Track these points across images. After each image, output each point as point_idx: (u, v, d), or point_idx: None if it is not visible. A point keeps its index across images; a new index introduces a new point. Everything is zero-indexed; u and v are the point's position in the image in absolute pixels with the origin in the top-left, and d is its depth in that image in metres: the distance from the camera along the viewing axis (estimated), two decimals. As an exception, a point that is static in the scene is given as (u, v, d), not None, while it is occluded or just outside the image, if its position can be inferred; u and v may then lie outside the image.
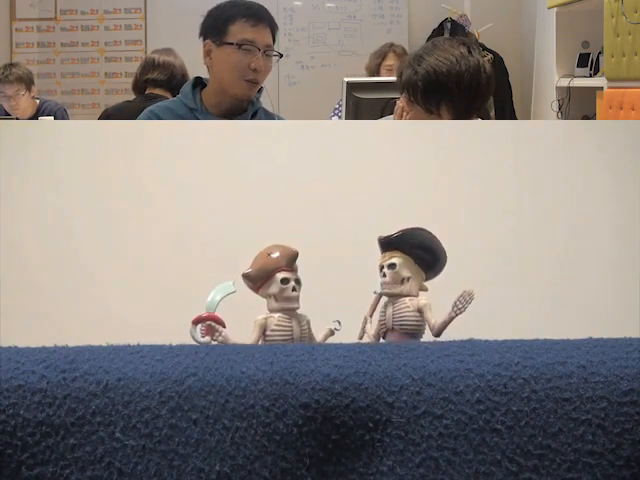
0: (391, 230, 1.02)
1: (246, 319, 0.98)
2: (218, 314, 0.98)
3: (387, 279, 0.98)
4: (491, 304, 1.30)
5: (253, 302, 1.00)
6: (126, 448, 0.80)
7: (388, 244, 1.00)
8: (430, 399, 0.81)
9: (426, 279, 1.01)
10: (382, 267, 0.99)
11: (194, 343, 0.92)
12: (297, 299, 0.99)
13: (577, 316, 1.38)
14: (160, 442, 0.80)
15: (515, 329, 0.98)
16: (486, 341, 0.91)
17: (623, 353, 0.85)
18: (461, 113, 1.67)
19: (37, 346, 0.89)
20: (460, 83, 1.63)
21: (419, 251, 0.99)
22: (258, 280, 0.99)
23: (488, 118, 4.63)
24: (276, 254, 0.99)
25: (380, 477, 0.80)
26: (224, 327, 0.98)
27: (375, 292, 1.05)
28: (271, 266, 0.99)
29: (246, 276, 1.00)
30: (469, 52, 1.67)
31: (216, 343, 0.97)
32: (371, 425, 0.81)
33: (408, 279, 0.98)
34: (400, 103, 1.75)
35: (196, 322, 0.97)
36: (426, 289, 1.00)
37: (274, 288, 0.98)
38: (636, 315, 1.32)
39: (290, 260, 0.99)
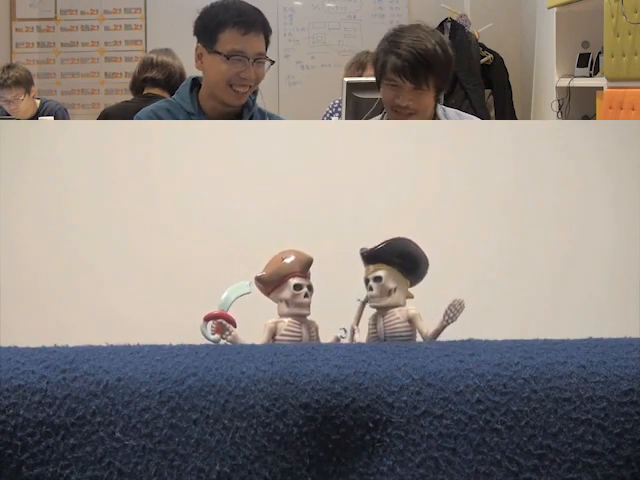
0: (391, 231, 1.02)
1: (255, 321, 0.98)
2: (230, 313, 0.98)
3: (374, 292, 0.99)
4: (491, 304, 1.30)
5: (263, 305, 1.00)
6: (126, 448, 0.80)
7: (371, 257, 1.00)
8: (430, 399, 0.81)
9: (410, 285, 1.01)
10: (368, 280, 1.00)
11: (195, 343, 0.92)
12: (308, 305, 0.99)
13: (577, 316, 1.38)
14: (160, 442, 0.80)
15: (515, 329, 0.98)
16: (486, 341, 0.91)
17: (623, 353, 0.85)
18: (443, 83, 1.85)
19: (37, 346, 0.89)
20: (437, 55, 1.80)
21: (401, 260, 0.99)
22: (271, 284, 0.99)
23: (486, 115, 4.64)
24: (290, 259, 0.99)
25: (380, 477, 0.80)
26: (235, 327, 0.97)
27: (358, 300, 1.05)
28: (285, 271, 0.98)
29: (259, 279, 0.99)
30: (430, 30, 1.87)
31: (225, 342, 0.96)
32: (371, 425, 0.81)
33: (395, 289, 0.99)
34: (387, 94, 1.87)
35: (207, 319, 0.97)
36: (412, 296, 1.01)
37: (286, 293, 0.98)
38: (636, 315, 1.32)
39: (304, 266, 0.99)
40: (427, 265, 1.01)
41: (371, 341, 1.00)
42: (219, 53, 1.85)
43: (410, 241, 1.00)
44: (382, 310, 0.99)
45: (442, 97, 1.98)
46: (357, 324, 1.04)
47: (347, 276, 1.31)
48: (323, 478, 0.80)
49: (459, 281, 1.08)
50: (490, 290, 1.41)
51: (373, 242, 1.03)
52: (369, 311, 1.02)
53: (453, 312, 0.95)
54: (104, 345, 0.90)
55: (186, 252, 1.45)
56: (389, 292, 0.98)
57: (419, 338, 0.98)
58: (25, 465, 0.80)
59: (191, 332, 0.97)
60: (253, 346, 0.92)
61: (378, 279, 0.98)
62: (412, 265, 1.00)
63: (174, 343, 0.90)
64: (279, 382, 0.81)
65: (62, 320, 1.41)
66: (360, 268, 1.02)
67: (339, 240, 1.42)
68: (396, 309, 0.98)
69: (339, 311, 1.01)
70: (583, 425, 0.80)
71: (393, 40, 1.83)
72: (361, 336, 1.02)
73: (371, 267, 1.00)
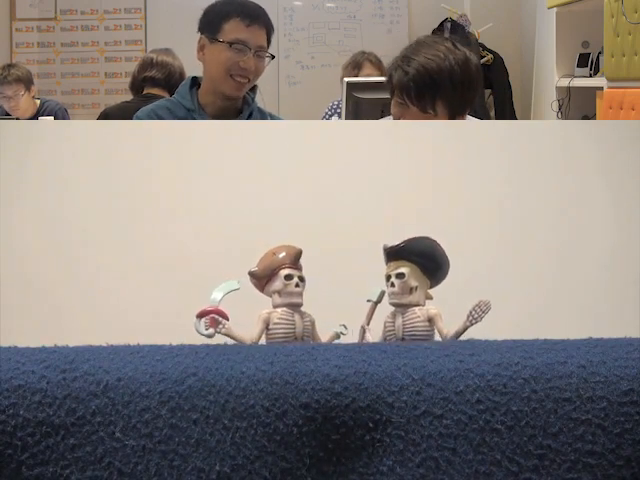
0: (390, 230, 1.02)
1: (250, 317, 0.98)
2: (222, 308, 0.99)
3: (396, 289, 0.98)
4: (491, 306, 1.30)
5: (257, 300, 1.01)
6: (126, 448, 0.80)
7: (394, 253, 0.99)
8: (430, 399, 0.81)
9: (430, 287, 1.00)
10: (389, 277, 0.99)
11: (194, 343, 0.92)
12: (300, 295, 1.00)
13: (577, 316, 1.38)
14: (160, 442, 0.80)
15: (515, 329, 0.98)
16: (486, 341, 0.91)
17: (623, 353, 0.85)
18: (456, 108, 1.66)
19: (37, 346, 0.89)
20: (452, 78, 1.62)
21: (423, 260, 0.98)
22: (263, 278, 1.01)
23: (486, 115, 4.64)
24: (282, 254, 1.01)
25: (380, 477, 0.80)
26: (227, 320, 0.98)
27: (369, 300, 1.05)
28: (276, 264, 1.01)
29: (252, 274, 1.01)
30: (454, 46, 1.67)
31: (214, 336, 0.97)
32: (371, 425, 0.81)
33: (416, 288, 0.98)
34: (394, 110, 1.73)
35: (200, 316, 0.98)
36: (431, 297, 1.00)
37: (278, 284, 1.00)
38: (636, 315, 1.32)
39: (294, 257, 1.01)
40: (448, 268, 1.00)
41: (387, 339, 0.99)
42: (222, 42, 1.91)
43: (434, 241, 0.99)
44: (402, 308, 0.98)
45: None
46: (368, 324, 1.04)
47: (347, 275, 1.31)
48: (323, 478, 0.80)
49: (458, 281, 1.08)
50: (489, 290, 1.40)
51: (373, 242, 1.03)
52: (379, 313, 1.02)
53: (478, 313, 0.94)
54: (104, 345, 0.90)
55: (187, 252, 1.46)
56: (410, 290, 0.97)
57: (437, 339, 0.97)
58: (25, 465, 0.80)
59: (191, 332, 0.97)
60: (253, 346, 0.92)
61: (401, 275, 0.97)
62: (434, 266, 0.99)
63: (174, 343, 0.90)
64: (279, 382, 0.82)
65: (62, 320, 1.41)
66: (360, 266, 1.02)
67: (338, 240, 1.42)
68: (417, 308, 0.97)
69: (340, 308, 1.02)
70: (583, 425, 0.80)
71: (408, 54, 1.65)
72: (373, 337, 1.02)
73: (392, 264, 0.99)
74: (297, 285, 1.00)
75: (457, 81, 1.63)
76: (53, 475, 0.80)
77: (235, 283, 1.01)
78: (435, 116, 1.64)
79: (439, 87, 1.61)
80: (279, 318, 0.99)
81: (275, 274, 1.00)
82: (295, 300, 1.00)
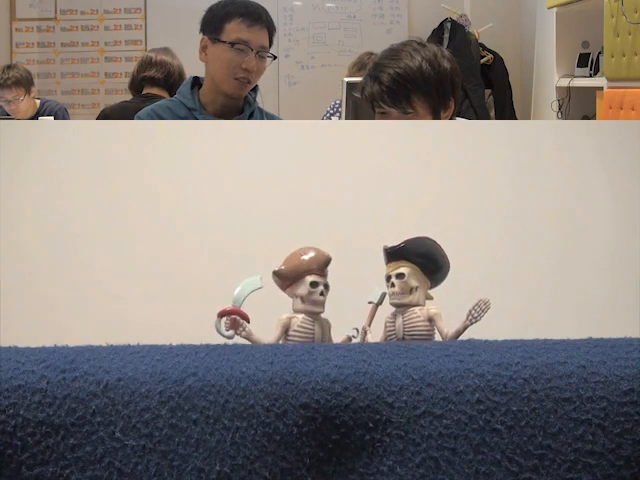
0: (391, 231, 1.02)
1: (268, 316, 0.97)
2: (242, 308, 0.98)
3: (396, 289, 0.98)
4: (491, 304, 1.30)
5: (277, 299, 1.00)
6: (126, 448, 0.80)
7: (394, 254, 0.99)
8: (430, 399, 0.81)
9: (430, 287, 1.01)
10: (389, 277, 0.99)
11: (191, 343, 0.92)
12: (323, 304, 0.99)
13: (577, 316, 1.39)
14: (160, 442, 0.80)
15: (515, 329, 0.98)
16: (486, 341, 0.91)
17: (623, 353, 0.85)
18: (436, 103, 1.66)
19: (37, 346, 0.89)
20: (422, 74, 1.62)
21: (424, 260, 0.99)
22: (288, 279, 0.99)
23: (486, 115, 4.63)
24: (309, 257, 0.99)
25: (380, 477, 0.80)
26: (248, 322, 0.97)
27: (370, 302, 1.05)
28: (303, 268, 0.99)
29: (277, 273, 1.00)
30: (420, 45, 1.68)
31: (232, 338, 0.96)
32: (371, 425, 0.81)
33: (416, 288, 0.98)
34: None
35: (221, 315, 0.97)
36: (431, 297, 1.00)
37: (302, 290, 0.99)
38: (636, 315, 1.32)
39: (322, 265, 1.00)
40: (448, 269, 1.00)
41: (388, 339, 0.99)
42: (224, 42, 1.92)
43: (434, 242, 1.00)
44: (402, 308, 0.98)
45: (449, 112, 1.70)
46: (369, 325, 1.04)
47: (347, 276, 1.31)
48: (323, 478, 0.80)
49: (458, 281, 1.08)
50: (490, 290, 1.41)
51: (372, 242, 1.03)
52: (380, 314, 1.02)
53: (478, 312, 0.94)
54: (104, 345, 0.90)
55: (186, 252, 1.46)
56: (411, 290, 0.98)
57: (438, 338, 0.97)
58: (25, 465, 0.80)
59: (191, 332, 0.97)
60: (253, 346, 0.92)
61: (401, 276, 0.98)
62: (434, 267, 0.99)
63: (174, 343, 0.90)
64: (279, 382, 0.81)
65: (62, 320, 1.41)
66: (361, 267, 1.02)
67: (338, 239, 1.42)
68: (417, 308, 0.98)
69: (341, 310, 1.01)
70: (583, 425, 0.80)
71: (378, 62, 1.68)
72: (374, 338, 1.02)
73: (392, 264, 0.99)
74: (322, 293, 0.98)
75: (428, 76, 1.63)
76: (53, 475, 0.80)
77: (257, 281, 0.99)
78: (416, 114, 1.63)
79: (411, 85, 1.62)
80: (299, 325, 0.98)
81: (300, 278, 0.99)
82: (317, 309, 0.99)
